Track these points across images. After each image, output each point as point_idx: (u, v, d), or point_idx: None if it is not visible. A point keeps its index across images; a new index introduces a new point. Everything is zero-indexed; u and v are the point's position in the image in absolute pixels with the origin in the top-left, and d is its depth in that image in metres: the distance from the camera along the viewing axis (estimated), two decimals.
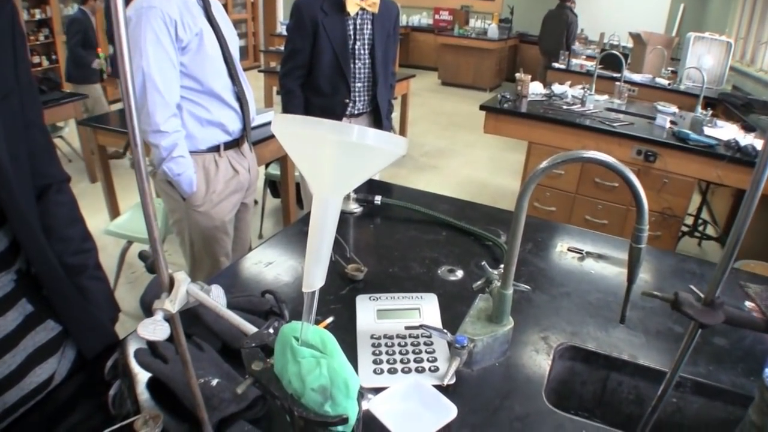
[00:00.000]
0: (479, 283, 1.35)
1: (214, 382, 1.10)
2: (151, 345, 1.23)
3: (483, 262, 1.39)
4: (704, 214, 5.15)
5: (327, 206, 0.52)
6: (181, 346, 0.74)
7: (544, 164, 1.10)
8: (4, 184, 1.02)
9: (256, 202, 4.53)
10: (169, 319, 0.65)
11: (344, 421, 0.59)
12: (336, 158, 0.48)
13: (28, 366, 1.14)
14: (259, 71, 7.41)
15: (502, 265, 1.27)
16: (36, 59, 8.00)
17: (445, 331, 1.25)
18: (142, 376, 1.20)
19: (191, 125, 2.36)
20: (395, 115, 6.74)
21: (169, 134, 2.23)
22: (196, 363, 1.15)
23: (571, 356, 1.39)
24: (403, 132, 7.04)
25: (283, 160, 4.19)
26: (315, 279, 0.56)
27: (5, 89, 1.06)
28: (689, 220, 4.86)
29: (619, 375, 1.38)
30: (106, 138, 4.24)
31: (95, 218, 4.43)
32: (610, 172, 3.39)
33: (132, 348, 1.25)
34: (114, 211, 4.43)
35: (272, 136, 3.75)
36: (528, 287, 1.37)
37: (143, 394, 1.16)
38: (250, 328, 0.63)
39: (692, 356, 1.33)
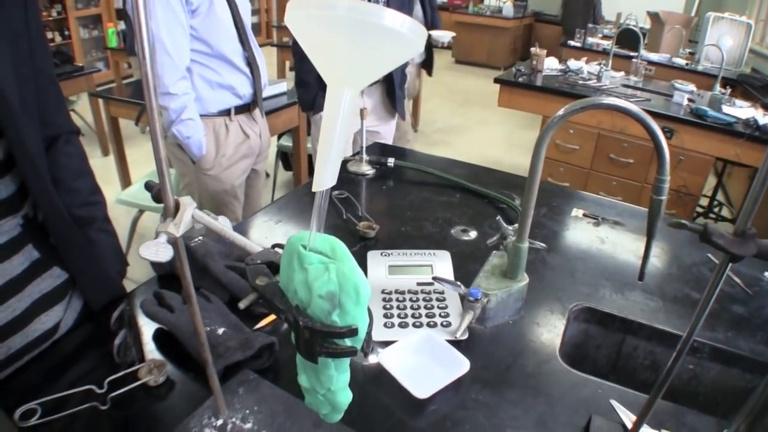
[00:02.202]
0: (494, 239, 1.32)
1: (220, 330, 1.09)
2: (158, 295, 1.22)
3: (498, 217, 1.36)
4: (719, 197, 5.08)
5: (341, 98, 0.49)
6: (185, 278, 0.72)
7: (561, 112, 1.07)
8: (13, 124, 1.00)
9: (267, 174, 4.51)
10: (173, 243, 0.63)
11: (353, 332, 0.55)
12: (352, 42, 0.44)
13: (34, 312, 1.13)
14: (272, 46, 7.36)
15: (516, 224, 1.24)
16: (49, 35, 7.96)
17: (458, 283, 1.22)
18: (148, 327, 1.20)
19: (201, 88, 2.34)
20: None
21: (178, 96, 2.20)
22: (203, 313, 1.14)
23: (586, 318, 1.36)
24: (416, 108, 6.95)
25: (296, 132, 4.15)
26: (325, 178, 0.52)
27: (14, 33, 1.04)
28: (704, 202, 4.80)
29: (634, 339, 1.35)
30: (118, 109, 4.22)
31: (107, 189, 4.35)
32: (625, 149, 3.35)
33: (139, 301, 1.23)
34: (126, 182, 4.42)
35: (284, 107, 3.75)
36: (543, 245, 1.34)
37: (149, 344, 1.16)
38: (255, 248, 0.60)
39: (710, 322, 1.30)
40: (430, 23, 4.43)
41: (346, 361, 0.63)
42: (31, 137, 1.07)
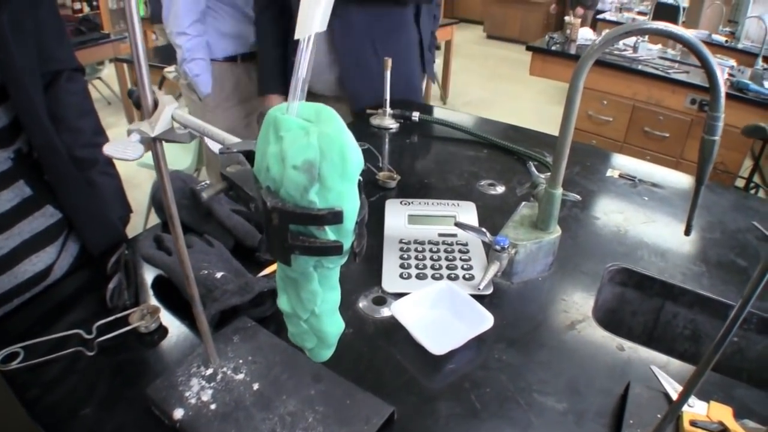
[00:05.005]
0: (524, 187, 1.20)
1: (219, 274, 1.00)
2: (157, 239, 1.15)
3: (529, 163, 1.24)
4: (756, 179, 4.89)
5: None
6: (165, 194, 0.61)
7: (599, 40, 0.95)
8: (3, 47, 0.94)
9: None
10: (144, 143, 0.53)
11: (336, 216, 0.42)
12: None
13: (23, 252, 1.07)
14: None
15: (548, 173, 1.12)
16: (77, 5, 7.94)
17: (483, 230, 1.11)
18: (148, 273, 1.13)
19: (210, 35, 2.39)
20: (438, 62, 6.56)
21: (192, 37, 2.28)
22: (204, 256, 1.07)
23: (622, 280, 1.25)
24: (445, 81, 6.84)
25: None
26: (312, 20, 0.39)
27: None
28: (740, 183, 4.62)
29: (674, 306, 1.23)
30: None
31: None
32: (661, 122, 3.19)
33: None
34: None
35: None
36: (577, 197, 1.22)
37: (147, 290, 1.09)
38: (232, 138, 0.49)
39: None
40: None
41: (334, 274, 0.51)
42: (25, 66, 1.01)
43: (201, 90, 2.43)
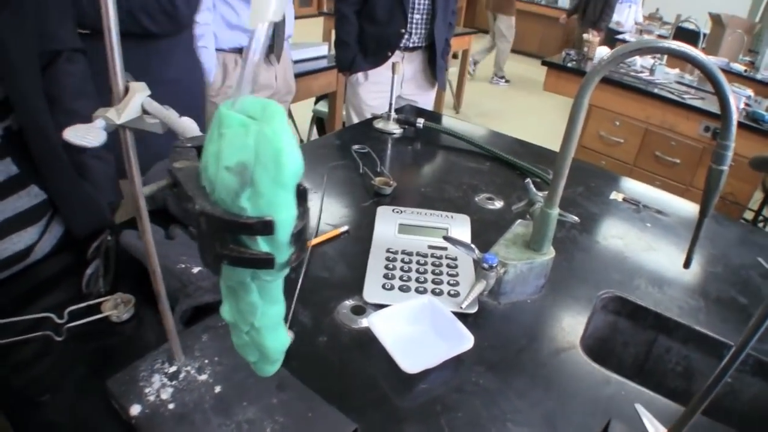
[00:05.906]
0: (520, 204, 1.17)
1: (196, 270, 0.97)
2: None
3: (527, 180, 1.20)
4: (765, 212, 4.84)
5: None
6: (133, 183, 0.58)
7: (608, 56, 0.92)
8: None
9: (302, 141, 4.44)
10: (111, 131, 0.50)
11: (267, 226, 0.38)
12: None
13: (5, 230, 1.04)
14: (321, 15, 7.21)
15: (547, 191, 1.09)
16: None
17: (472, 246, 1.07)
18: (131, 262, 1.08)
19: (217, 26, 2.37)
20: (453, 71, 6.52)
21: (200, 25, 2.24)
22: (185, 249, 1.04)
23: (615, 308, 1.21)
24: (459, 90, 6.80)
25: (332, 97, 4.05)
26: (268, 8, 0.36)
27: None
28: (749, 215, 4.57)
29: (668, 340, 1.19)
30: None
31: None
32: (673, 148, 3.13)
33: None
34: None
35: (322, 69, 3.68)
36: (576, 218, 1.18)
37: (127, 279, 1.05)
38: (194, 132, 0.46)
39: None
40: None
41: (275, 287, 0.47)
42: (18, 44, 0.98)
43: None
